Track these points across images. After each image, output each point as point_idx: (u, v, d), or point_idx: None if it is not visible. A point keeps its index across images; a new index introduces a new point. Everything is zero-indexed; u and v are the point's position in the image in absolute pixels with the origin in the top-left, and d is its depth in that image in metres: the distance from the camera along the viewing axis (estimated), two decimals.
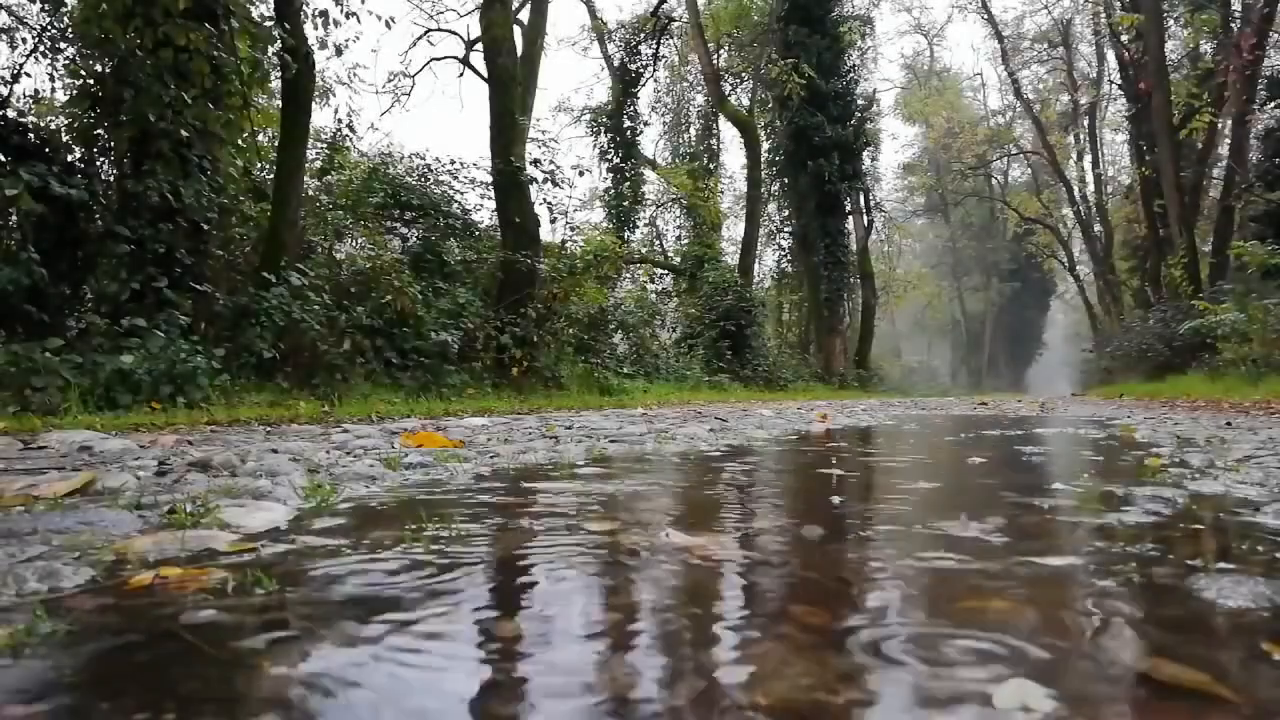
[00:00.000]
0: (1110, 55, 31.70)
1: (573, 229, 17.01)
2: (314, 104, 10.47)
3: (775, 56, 24.63)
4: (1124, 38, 25.46)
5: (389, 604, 1.07)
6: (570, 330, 14.34)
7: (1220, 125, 22.28)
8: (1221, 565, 1.28)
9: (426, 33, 23.25)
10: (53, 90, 8.92)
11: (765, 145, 28.13)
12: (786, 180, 28.96)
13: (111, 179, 8.11)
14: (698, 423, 6.17)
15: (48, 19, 8.61)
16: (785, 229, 31.54)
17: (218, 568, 1.26)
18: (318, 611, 1.04)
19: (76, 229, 7.41)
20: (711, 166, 29.41)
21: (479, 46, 18.37)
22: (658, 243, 30.47)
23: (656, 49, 28.93)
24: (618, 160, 27.70)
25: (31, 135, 7.60)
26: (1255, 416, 6.78)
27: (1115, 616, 1.03)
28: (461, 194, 14.76)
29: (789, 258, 31.80)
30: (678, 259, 27.56)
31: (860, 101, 29.27)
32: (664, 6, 27.74)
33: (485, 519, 1.78)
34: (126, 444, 3.48)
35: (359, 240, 12.28)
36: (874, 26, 31.33)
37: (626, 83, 28.27)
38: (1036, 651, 0.88)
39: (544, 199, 14.00)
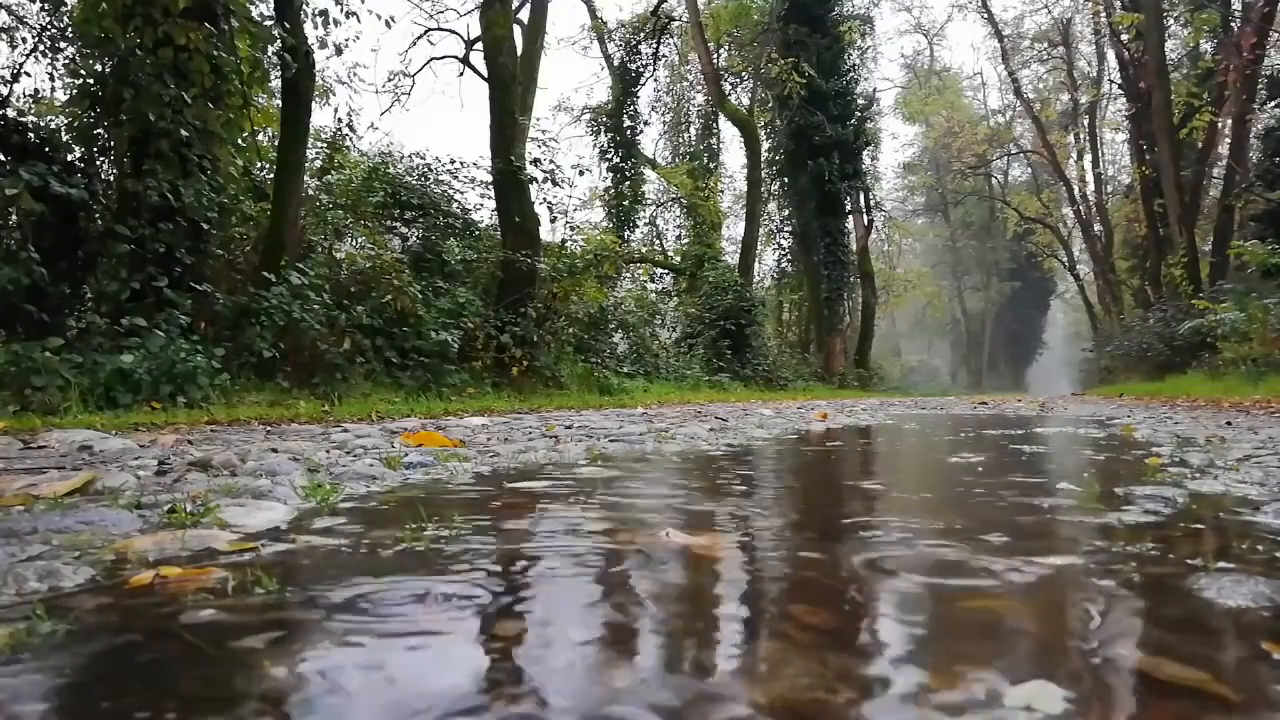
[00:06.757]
0: (1110, 54, 31.69)
1: (573, 228, 17.04)
2: (314, 103, 10.46)
3: (775, 56, 24.64)
4: (1124, 37, 25.45)
5: (389, 604, 1.07)
6: (570, 330, 14.34)
7: (1220, 125, 22.27)
8: (1221, 564, 1.28)
9: (426, 32, 23.25)
10: (53, 90, 8.93)
11: (765, 145, 28.14)
12: (786, 180, 28.98)
13: (111, 179, 8.11)
14: (698, 422, 6.17)
15: (48, 18, 8.61)
16: (785, 228, 31.56)
17: (218, 567, 1.26)
18: (318, 611, 1.04)
19: (76, 229, 7.41)
20: (711, 166, 29.42)
21: (479, 46, 18.38)
22: (658, 242, 30.48)
23: (656, 48, 28.96)
24: (618, 160, 27.72)
25: (31, 135, 7.59)
26: (1255, 416, 6.78)
27: (1115, 615, 1.03)
28: (461, 193, 14.76)
29: (789, 257, 31.82)
30: (678, 258, 27.56)
31: (860, 101, 29.29)
32: (664, 6, 27.75)
33: (485, 518, 1.78)
34: (126, 443, 3.48)
35: (359, 240, 12.26)
36: (874, 26, 31.40)
37: (626, 82, 28.28)
38: (1035, 650, 0.88)
39: (544, 198, 14.02)
